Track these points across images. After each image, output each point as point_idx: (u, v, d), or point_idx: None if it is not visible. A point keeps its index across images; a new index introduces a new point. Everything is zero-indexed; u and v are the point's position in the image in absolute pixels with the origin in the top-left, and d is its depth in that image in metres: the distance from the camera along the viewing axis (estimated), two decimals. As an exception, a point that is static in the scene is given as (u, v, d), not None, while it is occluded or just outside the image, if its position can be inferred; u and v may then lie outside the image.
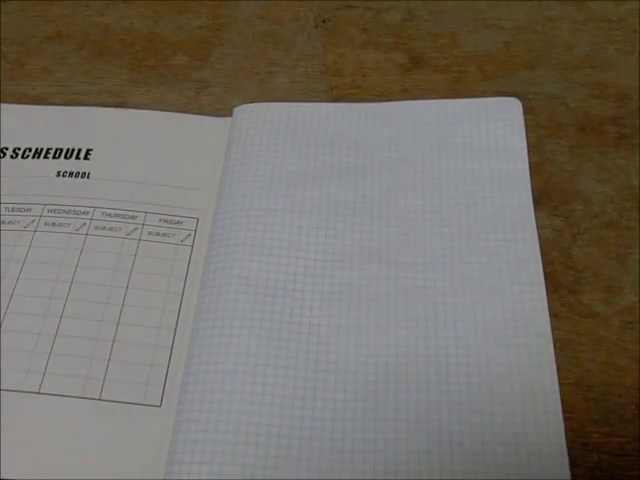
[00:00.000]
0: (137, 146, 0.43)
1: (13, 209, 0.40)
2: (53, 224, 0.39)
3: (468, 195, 0.39)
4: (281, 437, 0.32)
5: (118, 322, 0.36)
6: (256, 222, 0.38)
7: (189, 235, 0.39)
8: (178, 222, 0.40)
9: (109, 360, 0.35)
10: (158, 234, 0.39)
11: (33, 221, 0.39)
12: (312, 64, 0.47)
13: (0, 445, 0.32)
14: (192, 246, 0.39)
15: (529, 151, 0.41)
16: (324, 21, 0.49)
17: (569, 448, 0.32)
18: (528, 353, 0.34)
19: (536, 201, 0.39)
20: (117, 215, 0.40)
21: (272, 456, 0.32)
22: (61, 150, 0.42)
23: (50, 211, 0.40)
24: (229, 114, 0.44)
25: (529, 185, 0.40)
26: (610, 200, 0.40)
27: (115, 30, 0.49)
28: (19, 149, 0.43)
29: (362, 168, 0.41)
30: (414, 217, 0.39)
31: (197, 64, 0.47)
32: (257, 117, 0.43)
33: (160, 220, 0.40)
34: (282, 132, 0.42)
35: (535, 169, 0.41)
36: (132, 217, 0.40)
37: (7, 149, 0.42)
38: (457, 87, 0.45)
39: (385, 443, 0.32)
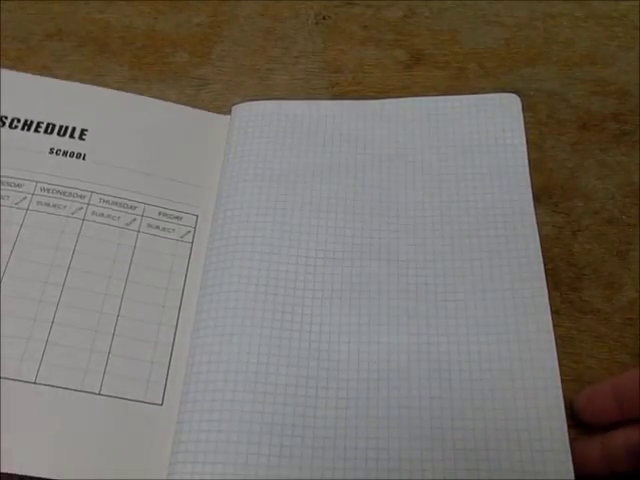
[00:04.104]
0: (136, 133, 0.42)
1: (3, 182, 0.38)
2: (47, 204, 0.38)
3: (468, 191, 0.39)
4: (284, 436, 0.32)
5: (118, 315, 0.35)
6: (256, 220, 0.38)
7: (189, 232, 0.39)
8: (177, 217, 0.39)
9: (109, 353, 0.34)
10: (158, 228, 0.39)
11: (25, 198, 0.38)
12: (312, 61, 0.47)
13: None
14: (192, 243, 0.38)
15: (530, 148, 0.41)
16: (324, 18, 0.49)
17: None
18: (529, 349, 0.34)
19: (537, 198, 0.39)
20: (115, 203, 0.39)
21: (275, 455, 0.32)
22: (54, 126, 0.41)
23: (43, 190, 0.38)
24: (229, 111, 0.44)
25: (529, 181, 0.40)
26: (611, 196, 0.40)
27: (115, 27, 0.49)
28: (6, 118, 0.41)
29: (362, 165, 0.41)
30: (414, 214, 0.39)
31: (197, 61, 0.47)
32: (256, 115, 0.43)
33: (160, 213, 0.39)
34: (282, 129, 0.42)
35: (536, 166, 0.41)
36: (131, 207, 0.39)
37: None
38: (457, 84, 0.45)
39: (388, 441, 0.32)
